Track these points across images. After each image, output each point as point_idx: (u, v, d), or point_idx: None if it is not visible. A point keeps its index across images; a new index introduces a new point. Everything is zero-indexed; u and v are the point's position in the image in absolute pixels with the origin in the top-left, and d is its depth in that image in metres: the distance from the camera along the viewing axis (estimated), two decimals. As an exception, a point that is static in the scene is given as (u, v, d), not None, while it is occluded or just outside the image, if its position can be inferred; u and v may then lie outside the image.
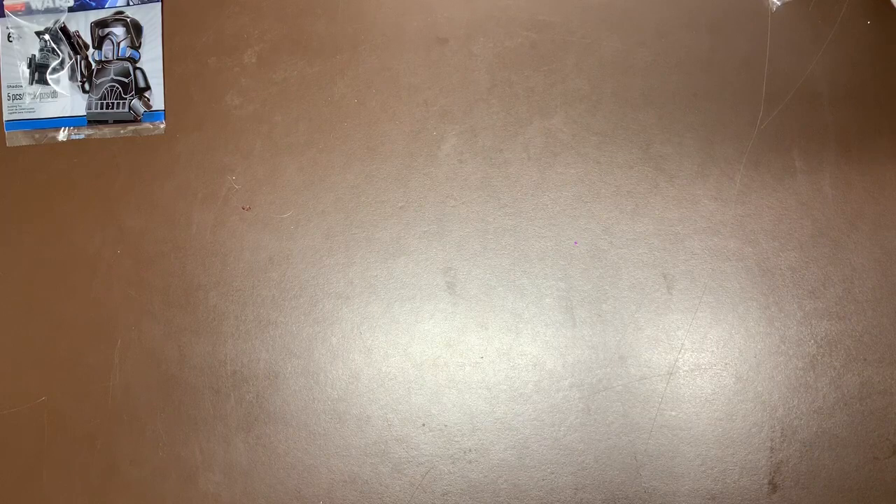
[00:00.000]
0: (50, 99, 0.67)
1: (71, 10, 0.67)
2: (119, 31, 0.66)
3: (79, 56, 0.67)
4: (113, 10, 0.66)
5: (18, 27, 0.67)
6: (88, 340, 0.64)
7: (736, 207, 0.58)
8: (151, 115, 0.66)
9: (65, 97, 0.67)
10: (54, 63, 0.67)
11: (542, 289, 0.59)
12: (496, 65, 0.62)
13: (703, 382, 0.57)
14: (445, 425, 0.60)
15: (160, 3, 0.66)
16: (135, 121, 0.66)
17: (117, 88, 0.66)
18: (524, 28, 0.62)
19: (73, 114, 0.66)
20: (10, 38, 0.67)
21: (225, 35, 0.66)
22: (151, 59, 0.66)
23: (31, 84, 0.67)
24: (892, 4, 0.57)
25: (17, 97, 0.67)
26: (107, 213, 0.65)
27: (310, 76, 0.64)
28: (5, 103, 0.67)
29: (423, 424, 0.60)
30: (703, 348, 0.57)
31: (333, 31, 0.64)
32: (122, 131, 0.66)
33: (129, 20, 0.66)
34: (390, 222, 0.62)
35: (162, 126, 0.65)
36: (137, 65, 0.66)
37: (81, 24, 0.67)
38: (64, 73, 0.67)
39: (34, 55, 0.67)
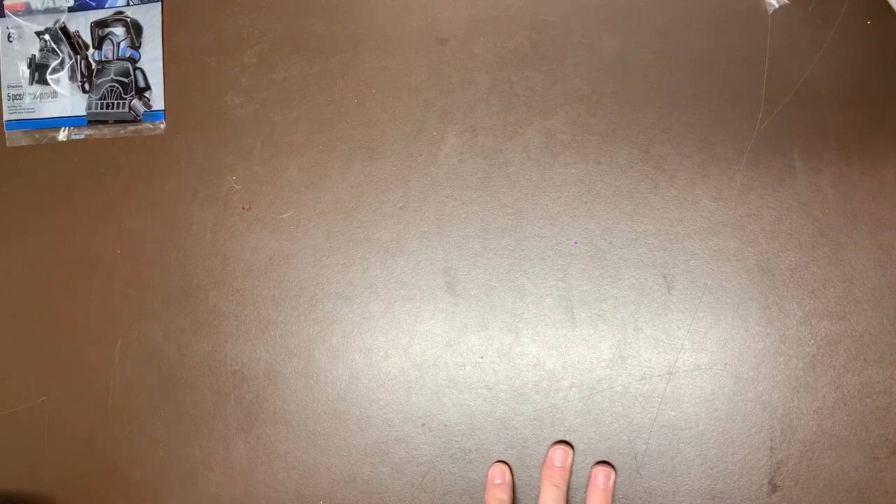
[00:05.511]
0: (50, 99, 0.67)
1: (71, 10, 0.67)
2: (119, 31, 0.66)
3: (79, 56, 0.67)
4: (113, 10, 0.66)
5: (18, 27, 0.67)
6: (88, 340, 0.64)
7: (736, 207, 0.58)
8: (151, 115, 0.65)
9: (65, 97, 0.67)
10: (54, 63, 0.67)
11: (541, 289, 0.59)
12: (496, 65, 0.62)
13: (703, 382, 0.57)
14: (445, 425, 0.60)
15: (160, 3, 0.66)
16: (135, 121, 0.66)
17: (117, 88, 0.66)
18: (524, 28, 0.62)
19: (73, 114, 0.66)
20: (10, 38, 0.67)
21: (225, 35, 0.66)
22: (151, 59, 0.66)
23: (31, 84, 0.67)
24: (891, 6, 0.57)
25: (17, 97, 0.67)
26: (107, 213, 0.65)
27: (310, 76, 0.64)
28: (5, 103, 0.67)
29: (423, 424, 0.60)
30: (703, 348, 0.57)
31: (333, 31, 0.64)
32: (122, 131, 0.66)
33: (129, 20, 0.66)
34: (390, 222, 0.62)
35: (162, 126, 0.65)
36: (137, 65, 0.66)
37: (81, 24, 0.67)
38: (64, 73, 0.67)
39: (34, 55, 0.67)
